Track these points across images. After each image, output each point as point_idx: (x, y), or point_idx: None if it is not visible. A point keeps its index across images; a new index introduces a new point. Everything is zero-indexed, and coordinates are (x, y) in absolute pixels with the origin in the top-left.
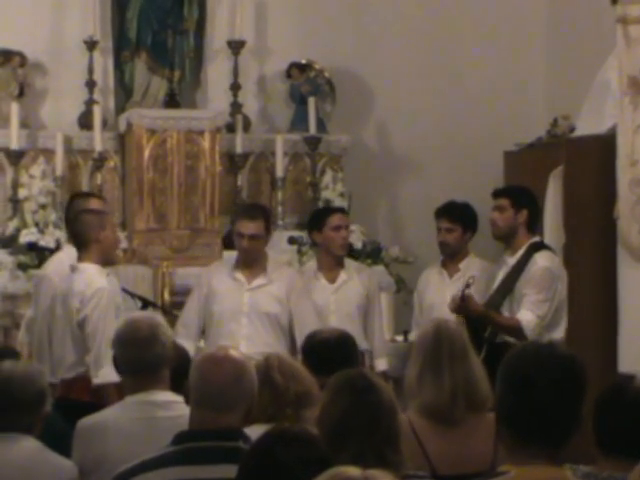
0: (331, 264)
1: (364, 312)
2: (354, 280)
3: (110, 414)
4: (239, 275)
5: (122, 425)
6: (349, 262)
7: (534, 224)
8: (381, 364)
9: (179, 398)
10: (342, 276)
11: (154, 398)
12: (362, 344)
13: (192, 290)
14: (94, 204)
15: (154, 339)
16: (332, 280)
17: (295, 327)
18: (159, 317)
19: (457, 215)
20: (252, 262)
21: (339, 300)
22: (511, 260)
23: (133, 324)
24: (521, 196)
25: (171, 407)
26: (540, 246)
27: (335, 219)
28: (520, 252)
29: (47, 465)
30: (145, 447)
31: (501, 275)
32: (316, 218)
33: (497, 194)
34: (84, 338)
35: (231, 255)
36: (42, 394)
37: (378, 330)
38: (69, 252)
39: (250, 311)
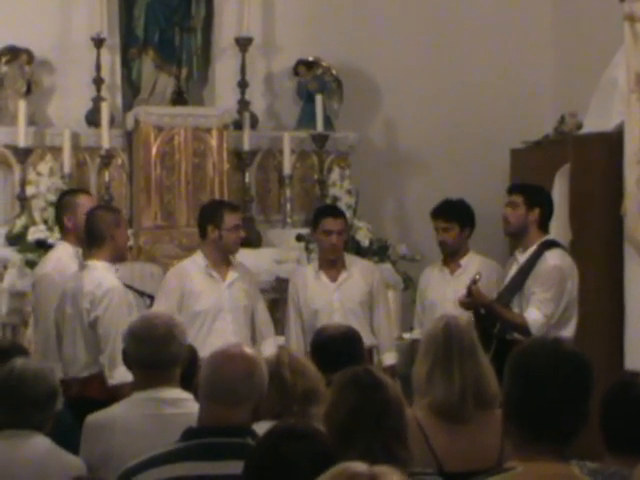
0: (331, 263)
1: (368, 308)
2: (356, 277)
3: (118, 410)
4: (214, 273)
5: (129, 421)
6: (350, 259)
7: (546, 223)
8: (389, 358)
9: (188, 395)
10: (343, 274)
11: (162, 395)
12: (368, 340)
13: (159, 293)
14: (83, 200)
15: (171, 337)
16: (333, 278)
17: (256, 319)
18: (176, 316)
19: (452, 214)
20: (229, 257)
21: (342, 298)
22: (522, 257)
23: (150, 321)
24: (535, 194)
25: (179, 404)
26: (552, 244)
27: (326, 223)
28: (531, 249)
29: (56, 462)
30: (152, 444)
31: (511, 272)
32: (314, 218)
33: (511, 190)
34: (96, 338)
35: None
36: (54, 392)
37: (384, 325)
38: (65, 249)
39: (232, 307)
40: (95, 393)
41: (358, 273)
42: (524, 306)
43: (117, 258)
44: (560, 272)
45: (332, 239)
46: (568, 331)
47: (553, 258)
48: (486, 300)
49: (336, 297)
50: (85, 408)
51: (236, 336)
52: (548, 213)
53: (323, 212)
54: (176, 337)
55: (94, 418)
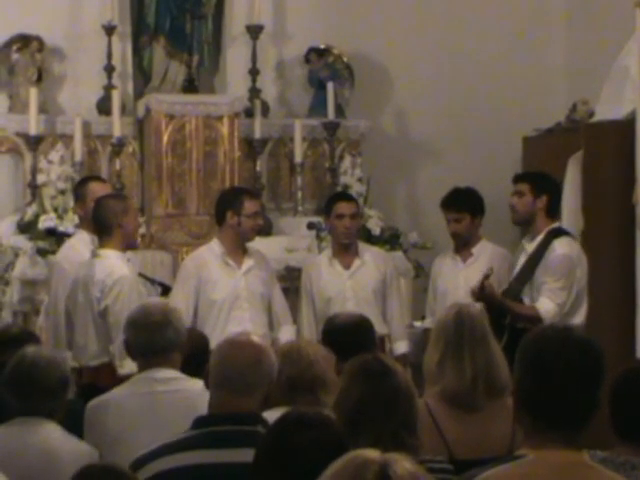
0: (344, 250)
1: (381, 296)
2: (369, 265)
3: (115, 392)
4: (231, 261)
5: (124, 400)
6: (364, 247)
7: (554, 210)
8: (401, 347)
9: (180, 375)
10: (357, 262)
11: (155, 375)
12: (380, 329)
13: (177, 282)
14: (92, 187)
15: (167, 324)
16: (347, 266)
17: (273, 306)
18: (173, 303)
19: (463, 204)
20: (245, 244)
21: (355, 286)
22: (530, 246)
23: (146, 308)
24: (541, 182)
25: (171, 383)
26: (559, 232)
27: (339, 207)
28: (539, 238)
29: (68, 450)
30: (141, 421)
31: (520, 262)
32: (326, 204)
33: (517, 179)
34: (107, 327)
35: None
36: (65, 380)
37: (396, 313)
38: (81, 237)
39: (248, 295)
40: (106, 382)
41: (372, 261)
42: (534, 296)
43: (127, 246)
44: (569, 261)
45: (345, 222)
46: (578, 318)
47: (561, 247)
48: (497, 297)
49: (349, 285)
50: (96, 397)
51: (254, 324)
52: (555, 200)
53: (335, 197)
54: (172, 323)
55: (93, 402)
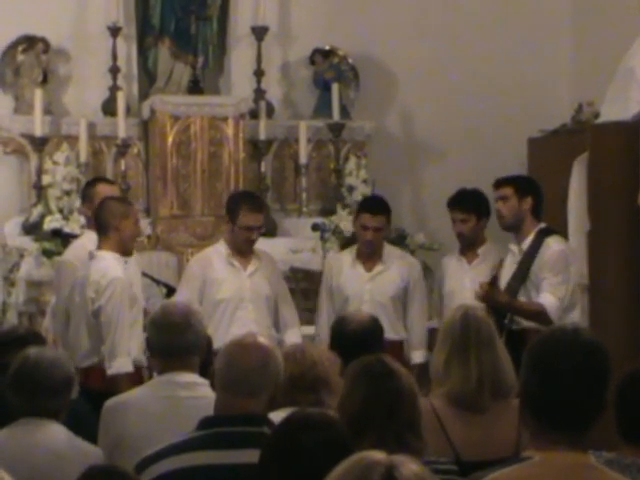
0: (367, 254)
1: (401, 303)
2: (391, 271)
3: (134, 393)
4: (236, 262)
5: (144, 403)
6: (390, 251)
7: (539, 211)
8: (417, 356)
9: (204, 380)
10: (379, 266)
11: (178, 379)
12: (397, 335)
13: (182, 282)
14: (100, 188)
15: (187, 326)
16: (369, 269)
17: (280, 308)
18: (196, 305)
19: (470, 205)
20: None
21: (373, 289)
22: (516, 248)
23: (167, 309)
24: (525, 183)
25: (194, 388)
26: (549, 231)
27: (364, 218)
28: (529, 238)
29: (73, 450)
30: (165, 425)
31: (509, 263)
32: (358, 205)
33: (499, 184)
34: (99, 328)
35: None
36: (69, 380)
37: (417, 322)
38: (90, 237)
39: (253, 296)
40: (96, 383)
41: (395, 267)
42: (531, 294)
43: (122, 252)
44: (565, 256)
45: (367, 235)
46: (576, 314)
47: (556, 243)
48: (503, 297)
49: (368, 288)
50: (87, 397)
51: (258, 325)
52: (539, 201)
53: (364, 206)
54: (192, 326)
55: (111, 402)
